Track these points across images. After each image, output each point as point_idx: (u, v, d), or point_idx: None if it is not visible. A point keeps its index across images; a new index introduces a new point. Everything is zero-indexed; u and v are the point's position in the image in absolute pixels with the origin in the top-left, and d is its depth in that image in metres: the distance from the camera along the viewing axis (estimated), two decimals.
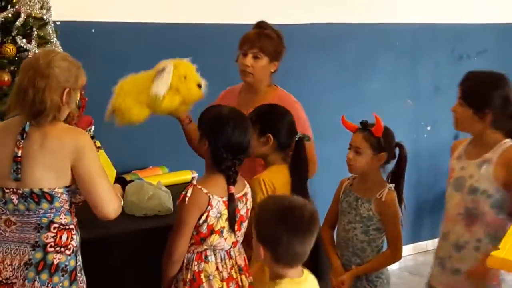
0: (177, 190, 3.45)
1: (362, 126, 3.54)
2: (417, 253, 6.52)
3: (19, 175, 2.78)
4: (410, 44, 6.16)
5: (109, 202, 2.85)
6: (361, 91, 5.80)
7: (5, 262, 2.82)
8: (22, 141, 2.79)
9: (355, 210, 3.59)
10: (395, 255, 3.59)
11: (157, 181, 3.96)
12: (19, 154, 2.78)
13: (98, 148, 3.86)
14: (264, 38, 3.76)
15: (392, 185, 3.56)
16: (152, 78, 3.51)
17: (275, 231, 2.52)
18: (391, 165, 3.63)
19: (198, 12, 4.77)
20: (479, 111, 3.21)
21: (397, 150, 3.61)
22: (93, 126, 3.90)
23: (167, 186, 3.94)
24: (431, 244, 6.63)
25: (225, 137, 3.07)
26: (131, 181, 4.19)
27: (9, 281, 2.80)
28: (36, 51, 3.64)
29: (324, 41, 5.53)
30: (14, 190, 2.80)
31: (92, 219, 2.92)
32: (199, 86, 3.55)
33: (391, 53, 6.02)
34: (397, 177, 3.62)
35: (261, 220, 2.61)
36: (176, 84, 3.50)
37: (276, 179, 3.34)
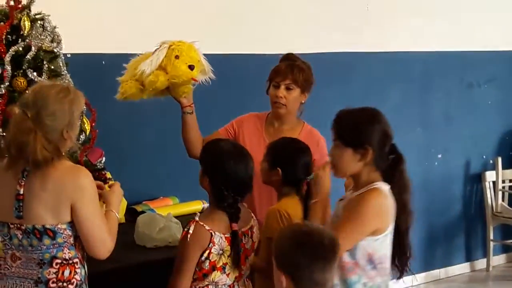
0: (187, 220, 3.44)
1: None
2: (429, 281, 6.48)
3: (21, 213, 2.78)
4: (420, 72, 6.17)
5: (102, 245, 2.84)
6: None
7: None
8: (24, 179, 2.79)
9: None
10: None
11: (167, 212, 3.96)
12: (21, 192, 2.79)
13: (109, 179, 3.87)
14: (296, 69, 3.76)
15: None
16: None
17: (295, 257, 2.51)
18: None
19: (207, 42, 4.80)
20: (359, 148, 2.94)
21: None
22: (104, 158, 3.91)
23: (177, 217, 3.95)
24: (444, 272, 6.59)
25: (225, 174, 3.04)
26: (142, 211, 4.20)
27: None
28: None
29: (332, 70, 5.53)
30: (18, 225, 2.80)
31: None
32: (191, 67, 3.53)
33: (400, 81, 6.03)
34: None
35: (281, 248, 2.59)
36: (165, 62, 3.52)
37: (290, 209, 3.30)
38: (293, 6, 5.35)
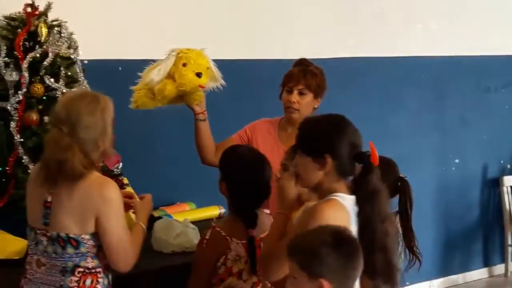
0: (204, 226, 3.45)
1: None
2: (447, 287, 6.45)
3: (48, 220, 2.84)
4: (436, 77, 6.15)
5: (123, 258, 2.87)
6: (387, 125, 5.79)
7: None
8: (51, 187, 2.85)
9: None
10: None
11: (184, 217, 3.97)
12: (49, 200, 2.85)
13: (126, 185, 3.88)
14: (309, 74, 3.78)
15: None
16: None
17: (338, 261, 2.39)
18: None
19: (222, 47, 4.81)
20: (318, 157, 2.72)
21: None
22: (121, 163, 3.92)
23: (194, 222, 3.95)
24: (461, 277, 6.56)
25: (243, 180, 3.05)
26: (159, 217, 4.21)
27: None
28: (64, 90, 3.68)
29: (348, 75, 5.53)
30: (44, 232, 2.85)
31: None
32: (198, 74, 3.55)
33: (416, 86, 6.01)
34: (404, 216, 3.46)
35: (317, 254, 2.39)
36: (173, 70, 3.55)
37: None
38: (308, 12, 5.35)
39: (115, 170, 3.87)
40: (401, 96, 5.90)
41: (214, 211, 4.53)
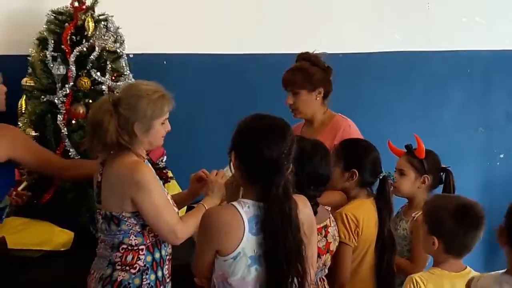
0: None
1: (407, 149, 3.52)
2: None
3: (99, 199, 3.02)
4: (482, 71, 6.07)
5: (168, 234, 2.97)
6: (432, 120, 5.73)
7: (94, 275, 3.03)
8: (102, 168, 3.01)
9: (396, 230, 3.57)
10: (414, 268, 3.42)
11: None
12: (99, 180, 3.03)
13: (170, 178, 3.91)
14: (295, 72, 3.78)
15: None
16: None
17: (454, 226, 2.84)
18: None
19: (268, 42, 4.81)
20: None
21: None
22: (166, 157, 3.95)
23: None
24: None
25: (312, 167, 3.08)
26: None
27: None
28: (110, 84, 3.73)
29: (392, 70, 5.48)
30: (99, 211, 3.04)
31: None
32: None
33: (462, 81, 5.94)
34: None
35: (438, 217, 2.88)
36: None
37: (359, 213, 3.31)
38: (355, 6, 5.32)
39: (159, 163, 3.90)
40: (446, 90, 5.83)
41: None
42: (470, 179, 5.94)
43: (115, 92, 3.60)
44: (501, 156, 6.30)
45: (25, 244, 3.52)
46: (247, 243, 2.56)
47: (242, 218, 2.56)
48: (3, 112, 3.42)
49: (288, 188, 2.57)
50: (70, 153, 3.67)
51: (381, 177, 3.37)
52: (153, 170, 3.07)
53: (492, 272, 2.80)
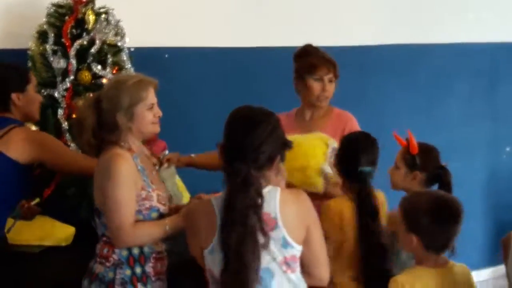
0: None
1: (406, 142, 3.49)
2: (497, 277, 6.35)
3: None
4: (487, 64, 6.04)
5: (114, 232, 2.89)
6: (437, 113, 5.71)
7: None
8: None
9: None
10: None
11: None
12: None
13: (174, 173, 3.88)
14: (333, 62, 3.76)
15: None
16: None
17: (431, 223, 2.80)
18: None
19: (270, 35, 4.79)
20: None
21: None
22: (167, 151, 3.93)
23: None
24: None
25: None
26: None
27: None
28: (111, 77, 3.71)
29: (396, 62, 5.46)
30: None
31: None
32: None
33: (467, 74, 5.90)
34: None
35: (414, 214, 2.84)
36: None
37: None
38: None
39: (161, 157, 3.87)
40: (452, 83, 5.80)
41: None
42: (476, 172, 5.92)
43: None
44: (507, 149, 6.27)
45: (26, 239, 3.50)
46: (218, 238, 2.54)
47: (215, 213, 2.56)
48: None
49: (249, 180, 2.50)
50: (70, 147, 3.65)
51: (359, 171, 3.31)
52: (138, 166, 2.98)
53: None
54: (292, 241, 2.56)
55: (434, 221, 2.80)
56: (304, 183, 3.38)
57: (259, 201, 2.51)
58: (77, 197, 3.68)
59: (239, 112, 2.68)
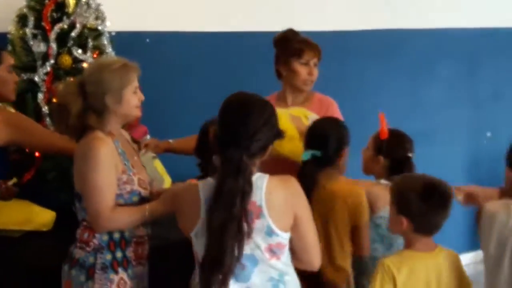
0: None
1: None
2: (479, 261, 6.37)
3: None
4: (469, 49, 6.05)
5: (93, 216, 2.89)
6: (419, 98, 5.72)
7: None
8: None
9: None
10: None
11: None
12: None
13: (153, 157, 3.87)
14: (318, 46, 3.78)
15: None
16: None
17: (420, 205, 2.83)
18: None
19: (252, 20, 4.77)
20: None
21: None
22: (148, 136, 3.91)
23: None
24: None
25: None
26: None
27: None
28: (91, 61, 3.69)
29: (379, 47, 5.46)
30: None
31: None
32: None
33: (449, 59, 5.92)
34: None
35: (406, 196, 2.87)
36: None
37: None
38: None
39: (141, 142, 3.86)
40: (433, 69, 5.82)
41: None
42: (457, 157, 5.95)
43: None
44: (488, 134, 6.30)
45: (5, 223, 3.47)
46: (203, 224, 2.55)
47: (200, 200, 2.56)
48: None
49: (241, 167, 2.49)
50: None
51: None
52: (119, 149, 2.99)
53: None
54: (277, 229, 2.54)
55: (425, 204, 2.83)
56: (293, 152, 3.41)
57: (248, 188, 2.50)
58: (58, 181, 3.66)
59: (235, 99, 2.65)
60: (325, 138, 3.26)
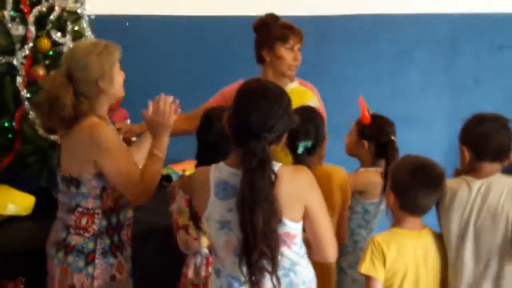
0: None
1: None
2: None
3: (59, 161, 3.01)
4: (448, 35, 6.07)
5: (130, 192, 2.89)
6: (398, 84, 5.74)
7: (50, 239, 3.03)
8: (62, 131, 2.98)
9: None
10: None
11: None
12: (59, 142, 3.06)
13: (133, 142, 3.85)
14: (301, 31, 3.75)
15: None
16: None
17: (407, 182, 2.87)
18: None
19: (232, 4, 4.76)
20: None
21: None
22: (129, 120, 3.90)
23: None
24: None
25: None
26: (168, 175, 4.19)
27: (48, 256, 3.04)
28: (71, 45, 3.66)
29: (358, 33, 5.47)
30: (58, 173, 3.01)
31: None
32: None
33: (428, 44, 5.93)
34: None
35: (397, 172, 2.95)
36: None
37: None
38: None
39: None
40: (412, 54, 5.83)
41: None
42: (436, 142, 5.96)
43: None
44: None
45: None
46: (213, 207, 2.53)
47: (209, 181, 2.54)
48: None
49: (265, 159, 2.45)
50: (30, 116, 3.60)
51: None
52: (115, 130, 3.06)
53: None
54: (286, 219, 2.50)
55: (409, 180, 2.87)
56: None
57: (275, 178, 2.46)
58: (38, 165, 3.64)
59: (253, 88, 2.58)
60: (314, 127, 3.24)
